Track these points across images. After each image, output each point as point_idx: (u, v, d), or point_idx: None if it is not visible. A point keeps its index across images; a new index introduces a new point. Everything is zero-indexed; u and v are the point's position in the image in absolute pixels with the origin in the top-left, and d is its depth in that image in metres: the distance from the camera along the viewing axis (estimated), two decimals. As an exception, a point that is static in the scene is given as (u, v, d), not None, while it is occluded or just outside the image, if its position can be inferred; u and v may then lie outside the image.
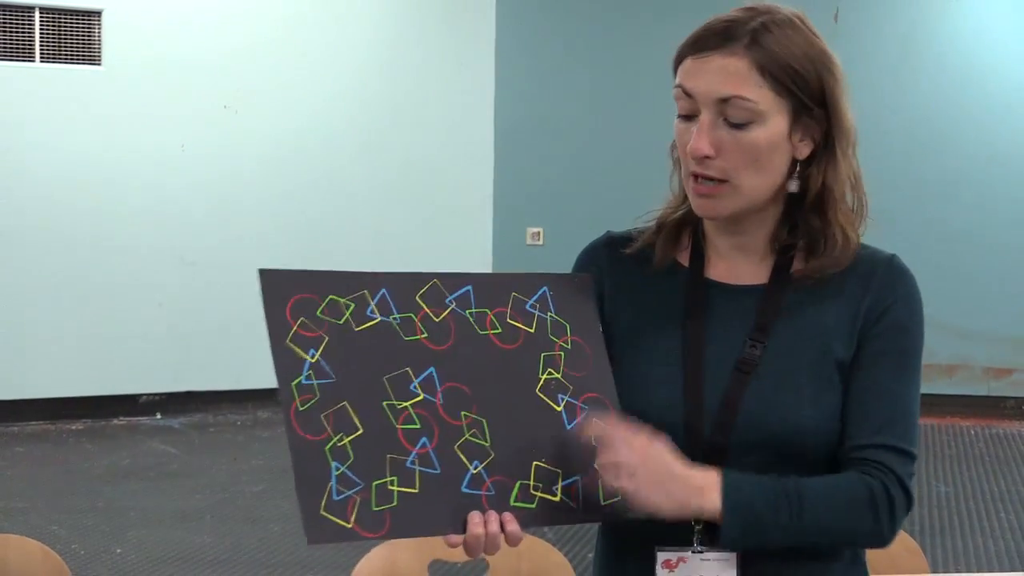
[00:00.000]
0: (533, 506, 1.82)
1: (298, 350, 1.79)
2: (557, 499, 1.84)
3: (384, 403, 1.80)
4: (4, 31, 9.44)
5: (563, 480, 1.85)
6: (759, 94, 1.90)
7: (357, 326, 1.84)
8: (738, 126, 1.91)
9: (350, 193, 10.36)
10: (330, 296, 1.84)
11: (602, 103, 10.74)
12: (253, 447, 9.15)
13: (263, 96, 10.08)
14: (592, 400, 1.92)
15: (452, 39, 10.67)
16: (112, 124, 9.69)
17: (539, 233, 10.90)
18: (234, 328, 10.05)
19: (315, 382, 1.77)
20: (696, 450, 1.92)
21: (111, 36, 9.69)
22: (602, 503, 1.86)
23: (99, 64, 9.68)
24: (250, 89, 10.03)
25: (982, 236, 10.55)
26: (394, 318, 1.87)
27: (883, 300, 1.98)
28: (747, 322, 1.99)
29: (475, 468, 1.80)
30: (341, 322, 1.83)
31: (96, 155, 9.66)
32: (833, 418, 1.95)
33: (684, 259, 2.09)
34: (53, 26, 9.56)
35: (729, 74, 1.91)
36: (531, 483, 1.83)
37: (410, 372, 1.83)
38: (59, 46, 9.60)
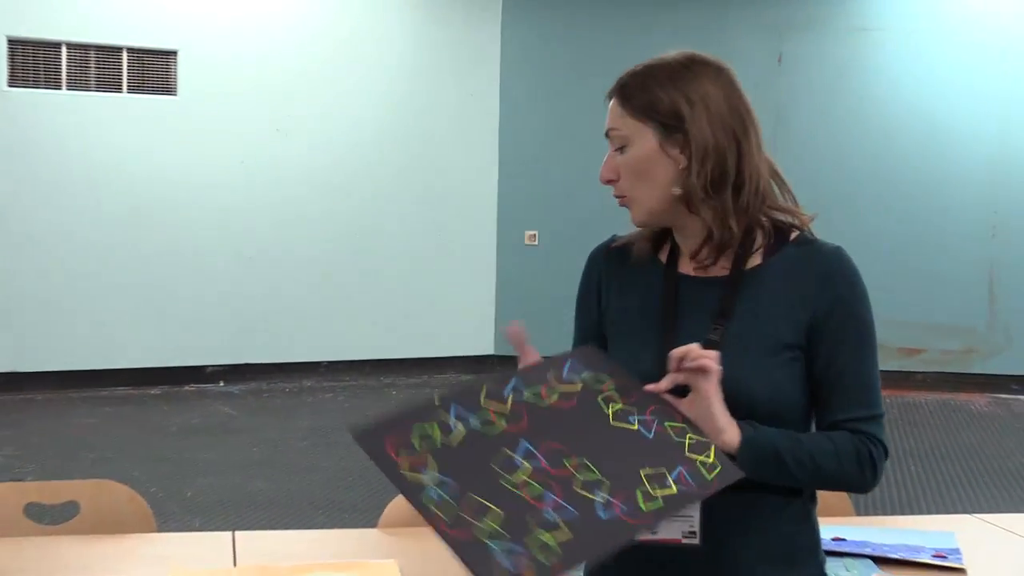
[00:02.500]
0: (660, 504, 1.82)
1: (414, 475, 1.77)
2: (674, 490, 1.84)
3: (501, 482, 1.78)
4: (98, 67, 9.45)
5: (671, 474, 1.85)
6: (623, 123, 2.01)
7: (450, 441, 1.83)
8: (620, 151, 2.03)
9: (377, 200, 10.37)
10: (415, 425, 1.82)
11: (592, 125, 10.72)
12: (299, 410, 9.15)
13: (307, 121, 10.09)
14: (656, 410, 1.93)
15: (461, 72, 10.65)
16: (184, 144, 9.70)
17: (535, 235, 10.89)
18: (284, 311, 10.08)
19: (441, 493, 1.75)
20: None
21: (184, 72, 9.69)
22: (708, 478, 1.86)
23: (175, 95, 9.68)
24: (297, 115, 10.04)
25: (898, 241, 10.55)
26: (474, 422, 1.86)
27: (832, 291, 1.98)
28: (712, 309, 1.99)
29: (600, 497, 1.79)
30: (437, 443, 1.81)
31: (172, 169, 9.67)
32: (781, 391, 1.95)
33: (665, 257, 2.12)
34: (138, 63, 9.56)
35: (610, 114, 2.05)
36: (648, 488, 1.83)
37: (508, 452, 1.82)
38: (142, 80, 9.61)
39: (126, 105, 9.54)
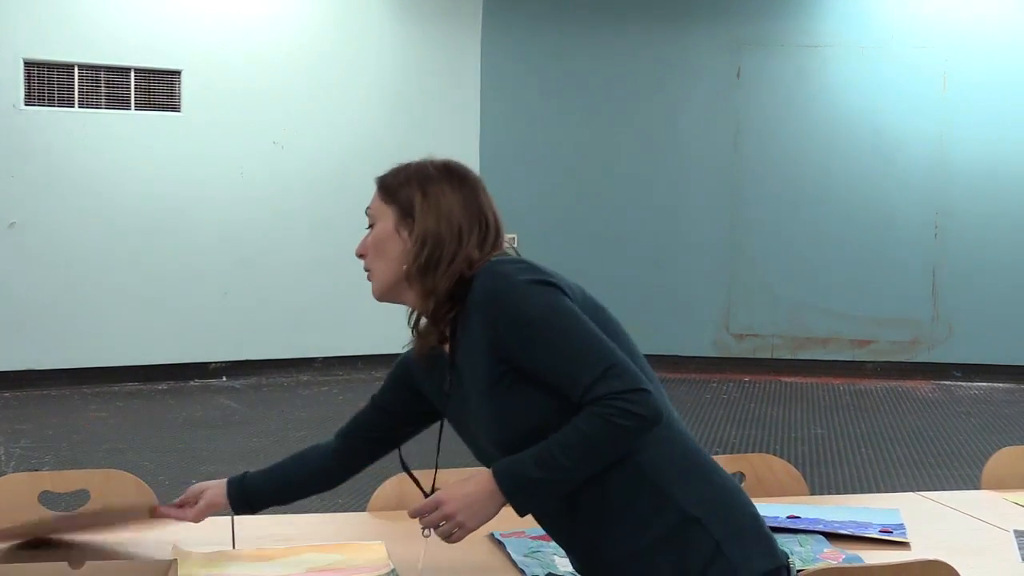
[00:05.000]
0: None
1: None
2: None
3: None
4: (108, 87, 9.42)
5: None
6: (375, 205, 2.18)
7: None
8: (370, 228, 2.18)
9: (366, 205, 10.33)
10: None
11: (566, 135, 10.73)
12: (297, 402, 9.13)
13: (302, 135, 10.07)
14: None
15: (443, 88, 10.65)
16: (188, 156, 9.67)
17: (514, 238, 10.86)
18: (282, 311, 10.06)
19: None
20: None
21: (188, 90, 9.67)
22: None
23: (179, 111, 9.65)
24: (292, 130, 10.03)
25: (849, 242, 10.59)
26: None
27: (486, 314, 1.98)
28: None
29: None
30: None
31: (176, 180, 9.64)
32: (514, 417, 1.97)
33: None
34: (145, 82, 9.54)
35: (370, 202, 2.22)
36: None
37: None
38: (149, 98, 9.58)
39: (134, 121, 9.51)
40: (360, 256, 2.19)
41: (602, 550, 1.99)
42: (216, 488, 2.46)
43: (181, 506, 2.45)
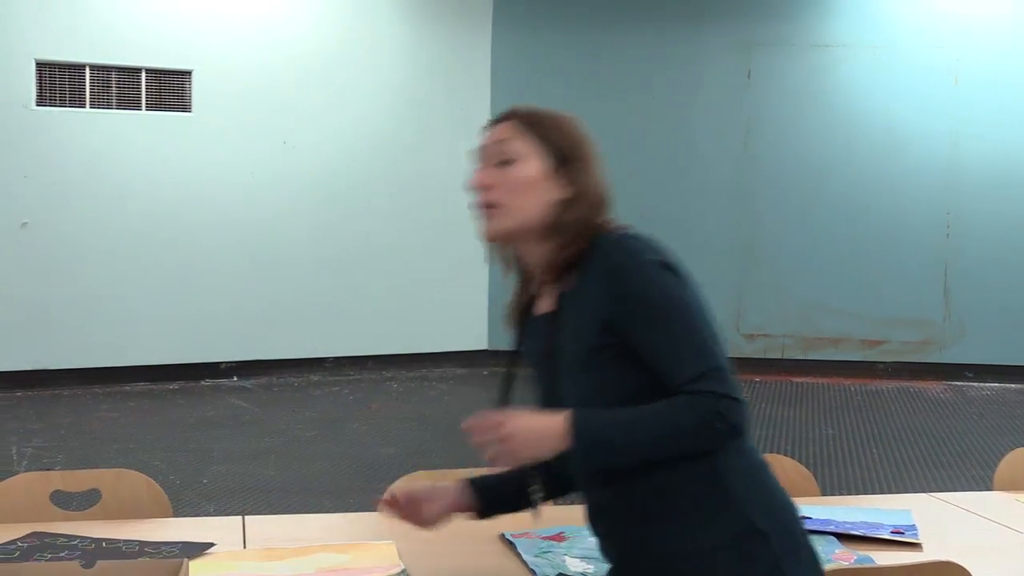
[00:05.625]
0: None
1: None
2: None
3: None
4: (119, 87, 9.44)
5: None
6: (521, 141, 2.03)
7: None
8: (503, 164, 2.03)
9: (376, 207, 10.36)
10: None
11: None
12: (307, 402, 9.14)
13: (312, 135, 10.08)
14: None
15: (453, 88, 10.65)
16: (199, 157, 9.69)
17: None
18: (292, 311, 10.07)
19: None
20: None
21: (199, 90, 9.68)
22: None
23: (190, 111, 9.67)
24: (302, 130, 10.04)
25: (860, 241, 10.57)
26: None
27: (611, 288, 1.93)
28: (542, 346, 2.05)
29: None
30: None
31: (187, 180, 9.66)
32: (606, 394, 1.93)
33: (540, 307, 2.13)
34: (156, 83, 9.55)
35: (501, 131, 2.05)
36: None
37: None
38: (160, 98, 9.60)
39: (145, 122, 9.53)
40: (484, 187, 2.03)
41: (652, 542, 1.96)
42: (449, 489, 2.27)
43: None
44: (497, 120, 2.07)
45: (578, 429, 1.86)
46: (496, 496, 2.26)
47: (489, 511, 2.27)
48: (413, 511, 2.23)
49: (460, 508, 2.25)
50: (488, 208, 2.02)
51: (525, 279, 2.14)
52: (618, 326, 1.91)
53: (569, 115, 2.08)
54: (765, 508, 1.94)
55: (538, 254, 2.04)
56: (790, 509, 1.99)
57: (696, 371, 1.87)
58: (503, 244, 2.08)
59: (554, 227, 2.00)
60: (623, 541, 2.01)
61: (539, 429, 1.88)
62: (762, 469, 2.00)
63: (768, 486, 1.99)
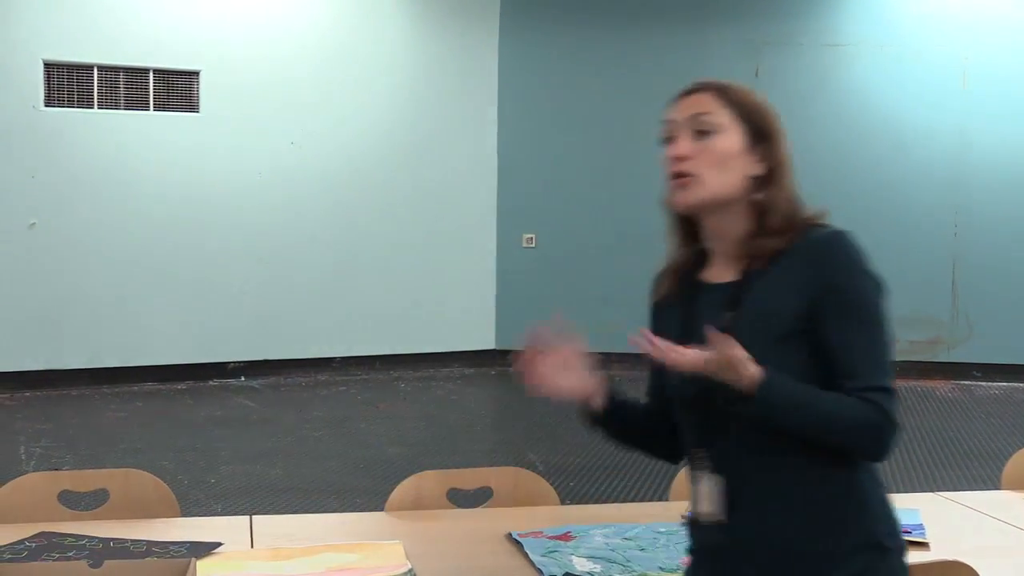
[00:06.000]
0: None
1: None
2: None
3: None
4: (127, 88, 9.46)
5: None
6: (720, 113, 2.01)
7: None
8: (702, 135, 2.01)
9: (384, 207, 10.36)
10: None
11: (583, 137, 10.73)
12: (314, 402, 9.15)
13: (319, 135, 10.08)
14: None
15: (461, 87, 10.65)
16: (206, 157, 9.70)
17: (532, 238, 10.88)
18: (300, 310, 10.09)
19: None
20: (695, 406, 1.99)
21: (206, 91, 9.69)
22: None
23: (198, 112, 9.68)
24: (310, 130, 10.04)
25: (868, 240, 10.48)
26: None
27: (824, 275, 1.94)
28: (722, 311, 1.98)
29: None
30: None
31: (194, 181, 9.67)
32: (774, 360, 1.90)
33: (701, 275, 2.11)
34: (163, 83, 9.57)
35: (696, 102, 2.04)
36: None
37: None
38: (167, 98, 9.61)
39: (153, 122, 9.54)
40: (682, 158, 2.01)
41: (787, 534, 1.95)
42: (590, 368, 2.20)
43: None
44: (691, 91, 2.07)
45: (770, 378, 1.87)
46: (625, 409, 2.22)
47: (611, 415, 2.19)
48: (546, 368, 2.15)
49: (589, 391, 2.18)
50: (683, 178, 2.02)
51: (690, 245, 2.12)
52: (819, 316, 1.93)
53: (759, 91, 2.08)
54: (889, 527, 1.98)
55: (729, 227, 2.03)
56: (901, 533, 2.02)
57: (875, 382, 1.90)
58: (700, 213, 2.06)
59: (752, 203, 2.01)
60: (755, 529, 1.97)
61: (738, 375, 1.87)
62: (884, 490, 2.03)
63: (890, 506, 2.01)
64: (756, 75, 10.59)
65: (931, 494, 3.07)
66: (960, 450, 7.62)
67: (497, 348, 10.63)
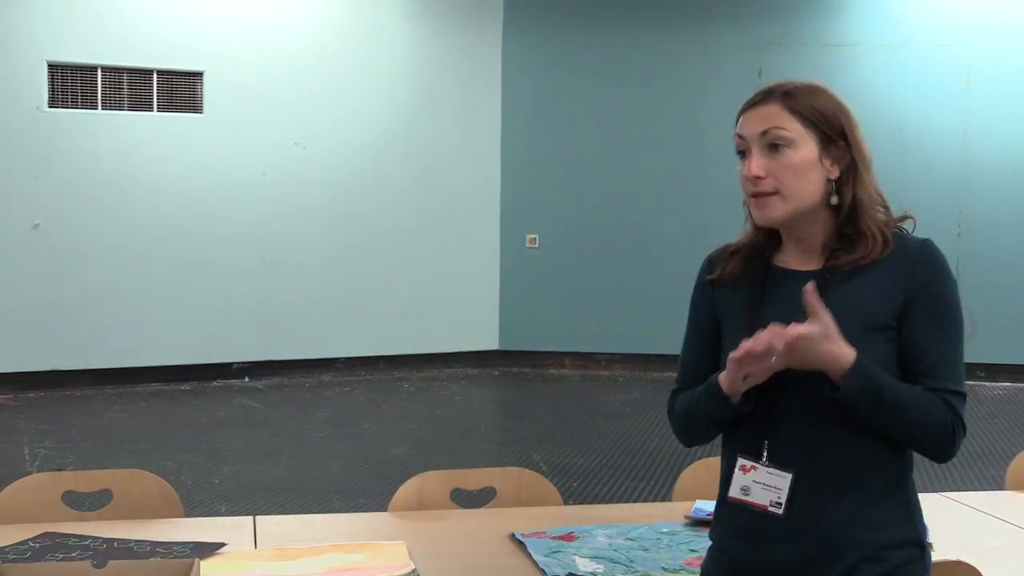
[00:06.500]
0: None
1: None
2: None
3: None
4: (131, 88, 9.46)
5: None
6: (790, 126, 1.99)
7: None
8: (773, 149, 2.00)
9: (388, 207, 10.36)
10: None
11: (587, 137, 10.73)
12: (318, 403, 9.15)
13: (322, 135, 10.08)
14: None
15: (465, 89, 10.65)
16: (210, 158, 9.70)
17: (536, 238, 10.88)
18: (304, 312, 10.09)
19: None
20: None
21: (210, 91, 9.70)
22: None
23: (201, 112, 9.68)
24: (313, 130, 10.04)
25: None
26: None
27: (919, 277, 1.98)
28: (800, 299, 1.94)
29: None
30: None
31: (198, 181, 9.68)
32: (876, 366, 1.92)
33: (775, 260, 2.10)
34: (167, 84, 9.57)
35: (766, 116, 2.02)
36: None
37: None
38: (171, 99, 9.61)
39: (156, 123, 9.54)
40: (759, 177, 2.00)
41: (825, 524, 1.96)
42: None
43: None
44: (757, 101, 2.06)
45: (863, 367, 1.88)
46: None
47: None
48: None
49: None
50: (764, 196, 2.01)
51: (763, 230, 2.10)
52: (909, 315, 1.97)
53: (823, 86, 2.08)
54: (924, 525, 2.03)
55: (811, 229, 2.03)
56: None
57: (953, 386, 1.97)
58: (785, 226, 2.05)
59: (833, 206, 2.01)
60: (807, 518, 1.96)
61: (829, 357, 1.88)
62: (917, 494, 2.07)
63: (922, 511, 2.05)
64: (759, 75, 10.58)
65: (935, 494, 3.07)
66: (964, 450, 7.51)
67: (500, 348, 10.63)
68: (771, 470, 1.98)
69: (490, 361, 10.60)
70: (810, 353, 1.87)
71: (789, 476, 1.96)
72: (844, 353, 1.87)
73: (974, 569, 2.02)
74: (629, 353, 10.45)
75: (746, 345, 1.87)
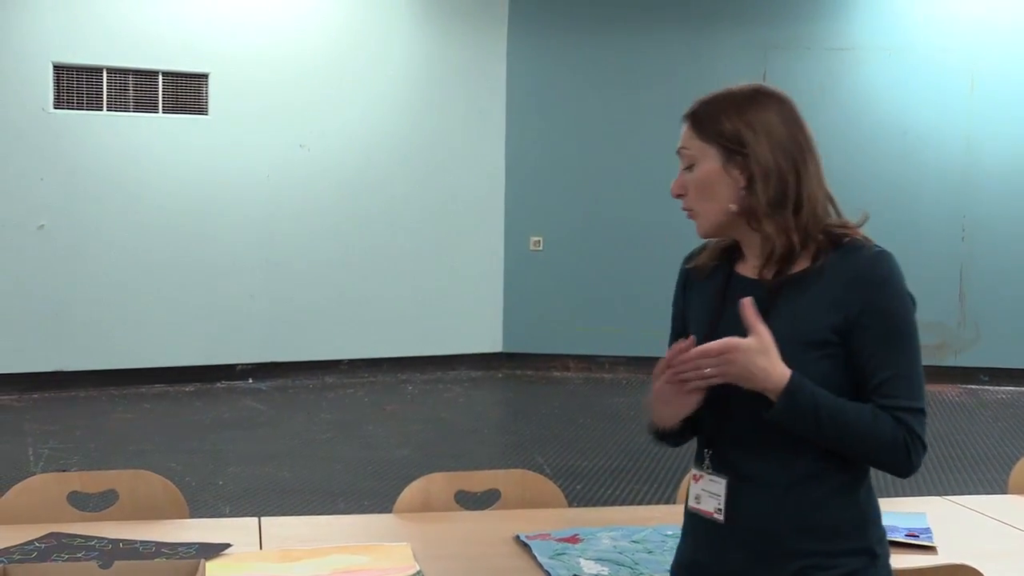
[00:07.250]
0: None
1: None
2: None
3: None
4: (136, 90, 9.47)
5: None
6: (692, 144, 2.03)
7: None
8: (688, 169, 2.04)
9: (393, 210, 10.37)
10: None
11: (591, 140, 10.73)
12: (322, 404, 9.15)
13: (327, 137, 10.09)
14: None
15: (469, 92, 10.65)
16: (215, 159, 9.71)
17: (540, 241, 10.88)
18: (308, 313, 10.09)
19: None
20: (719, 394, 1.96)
21: (215, 93, 9.70)
22: None
23: (206, 114, 9.70)
24: (318, 132, 10.05)
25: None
26: None
27: (860, 294, 1.95)
28: (757, 308, 1.93)
29: None
30: None
31: (203, 183, 9.68)
32: (814, 380, 1.91)
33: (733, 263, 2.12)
34: (172, 86, 9.58)
35: (682, 136, 2.06)
36: None
37: None
38: (176, 101, 9.62)
39: (162, 124, 9.55)
40: (678, 196, 2.07)
41: (771, 532, 1.97)
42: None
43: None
44: (684, 119, 2.09)
45: (796, 385, 1.88)
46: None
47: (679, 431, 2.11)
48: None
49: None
50: (689, 212, 2.08)
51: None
52: (855, 332, 1.95)
53: (739, 93, 2.08)
54: (880, 534, 2.02)
55: (746, 238, 2.05)
56: (887, 542, 2.05)
57: (908, 403, 1.94)
58: (721, 237, 2.10)
59: (761, 216, 2.00)
60: (753, 526, 1.98)
61: (762, 372, 1.88)
62: (876, 500, 2.06)
63: (880, 517, 2.05)
64: (763, 79, 10.57)
65: (938, 498, 3.07)
66: (967, 454, 7.60)
67: (504, 351, 10.63)
68: (712, 477, 2.02)
69: (494, 363, 10.61)
70: (747, 366, 1.88)
71: (724, 482, 1.99)
72: (779, 372, 1.88)
73: (977, 573, 2.02)
74: (633, 356, 10.44)
75: (671, 352, 1.92)
